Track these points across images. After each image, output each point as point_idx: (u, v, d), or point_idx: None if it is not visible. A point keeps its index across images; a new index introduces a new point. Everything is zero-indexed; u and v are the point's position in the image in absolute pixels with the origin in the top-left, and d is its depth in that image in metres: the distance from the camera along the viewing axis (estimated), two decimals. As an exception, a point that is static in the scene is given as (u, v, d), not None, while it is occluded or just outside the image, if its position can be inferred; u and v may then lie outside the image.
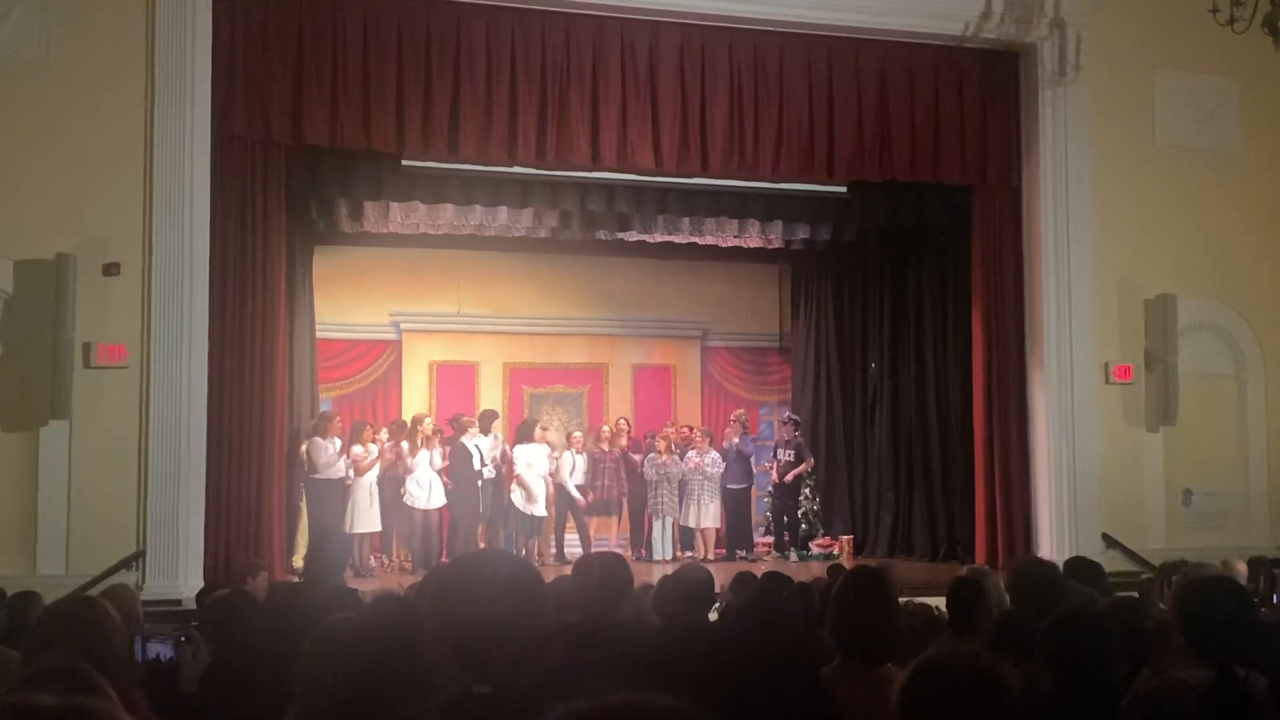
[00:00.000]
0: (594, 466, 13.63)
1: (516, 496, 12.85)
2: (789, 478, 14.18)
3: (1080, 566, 5.94)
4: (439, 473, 12.65)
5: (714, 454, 13.88)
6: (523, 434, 13.31)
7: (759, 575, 6.28)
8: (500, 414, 14.02)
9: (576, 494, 13.37)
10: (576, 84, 10.93)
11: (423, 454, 12.59)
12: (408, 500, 12.51)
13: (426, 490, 12.51)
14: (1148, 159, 12.24)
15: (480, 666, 2.13)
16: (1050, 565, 5.71)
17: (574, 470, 13.48)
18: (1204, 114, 12.45)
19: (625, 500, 13.77)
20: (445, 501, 12.62)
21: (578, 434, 14.01)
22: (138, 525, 9.60)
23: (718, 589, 5.84)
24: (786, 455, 14.29)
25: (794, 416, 14.90)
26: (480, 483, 12.69)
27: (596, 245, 14.16)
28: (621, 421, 14.27)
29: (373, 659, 3.11)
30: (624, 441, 13.93)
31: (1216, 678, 3.25)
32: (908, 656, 2.95)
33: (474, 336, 15.15)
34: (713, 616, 5.52)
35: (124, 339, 9.75)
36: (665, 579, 5.30)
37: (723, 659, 3.03)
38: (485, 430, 13.05)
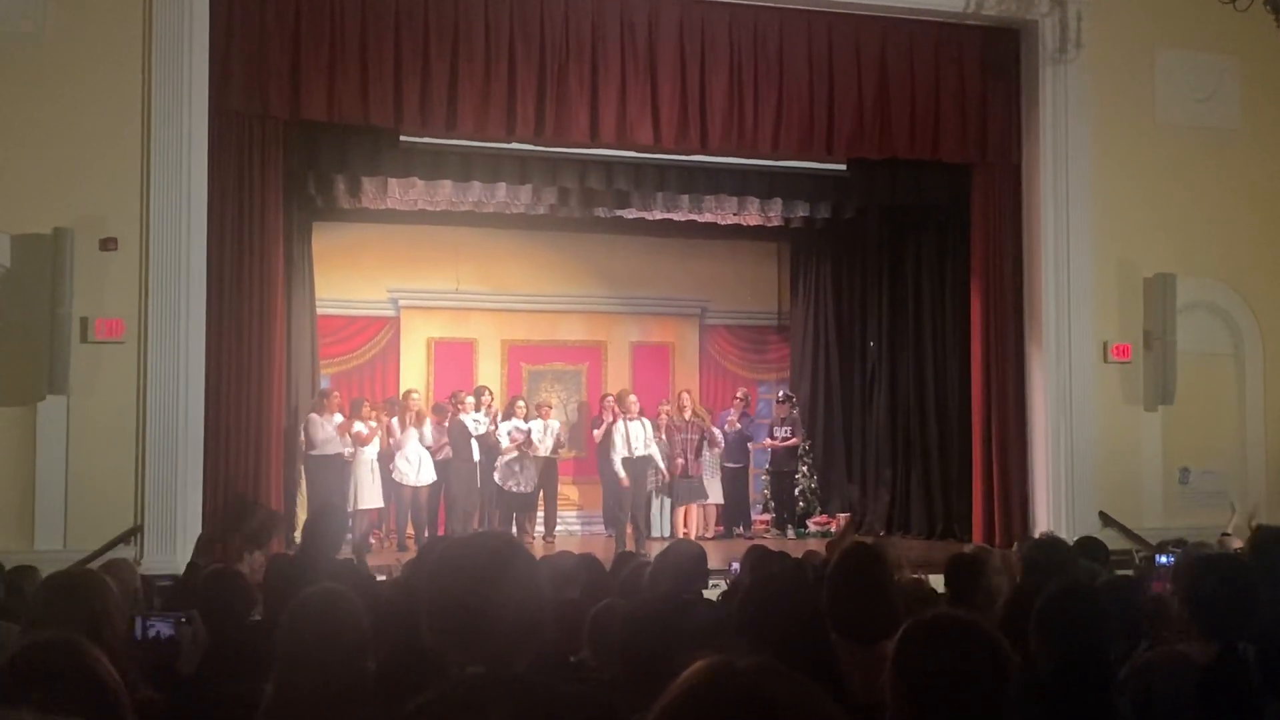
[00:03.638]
0: (672, 440, 13.53)
1: (498, 474, 12.87)
2: (782, 446, 14.25)
3: (1088, 544, 6.01)
4: (429, 449, 12.66)
5: (715, 431, 13.90)
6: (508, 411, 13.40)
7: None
8: (496, 391, 14.01)
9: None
10: (575, 60, 10.88)
11: (412, 430, 12.59)
12: (396, 477, 12.51)
13: (416, 466, 12.52)
14: (1148, 138, 12.21)
15: (473, 647, 2.13)
16: (1065, 545, 5.72)
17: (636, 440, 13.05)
18: (1204, 93, 12.41)
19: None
20: (435, 478, 12.62)
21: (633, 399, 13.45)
22: (135, 500, 9.61)
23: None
24: (783, 432, 14.33)
25: (789, 394, 14.92)
26: (478, 460, 12.72)
27: (595, 222, 14.11)
28: (685, 396, 14.14)
29: (353, 625, 3.13)
30: (687, 415, 13.79)
31: (1220, 653, 3.25)
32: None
33: (472, 313, 15.10)
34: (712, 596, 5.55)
35: (121, 314, 9.74)
36: (659, 556, 5.32)
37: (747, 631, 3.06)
38: (480, 407, 13.07)
